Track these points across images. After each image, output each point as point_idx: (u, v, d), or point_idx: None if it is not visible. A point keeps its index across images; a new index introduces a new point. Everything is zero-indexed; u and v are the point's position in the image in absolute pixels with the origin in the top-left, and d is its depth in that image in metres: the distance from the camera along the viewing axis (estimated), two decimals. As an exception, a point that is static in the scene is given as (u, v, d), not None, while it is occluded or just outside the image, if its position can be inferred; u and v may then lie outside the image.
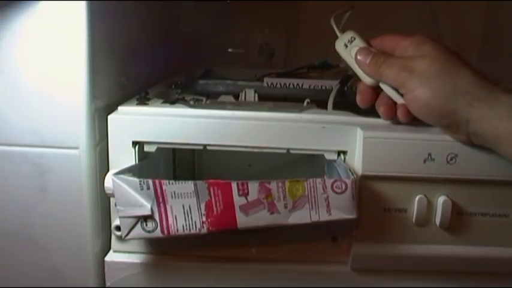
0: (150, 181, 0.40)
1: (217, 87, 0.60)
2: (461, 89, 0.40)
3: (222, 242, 0.46)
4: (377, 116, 0.46)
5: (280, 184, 0.40)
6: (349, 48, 0.47)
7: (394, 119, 0.45)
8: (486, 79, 0.41)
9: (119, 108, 0.46)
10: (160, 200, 0.40)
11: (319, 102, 0.52)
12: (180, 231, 0.40)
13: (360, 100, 0.46)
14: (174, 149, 0.56)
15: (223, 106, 0.48)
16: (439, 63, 0.41)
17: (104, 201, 0.46)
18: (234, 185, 0.40)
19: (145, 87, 0.53)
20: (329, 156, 0.45)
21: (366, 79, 0.46)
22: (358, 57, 0.46)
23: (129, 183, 0.40)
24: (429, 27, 0.83)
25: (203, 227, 0.40)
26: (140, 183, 0.40)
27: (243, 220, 0.40)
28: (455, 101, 0.40)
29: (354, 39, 0.47)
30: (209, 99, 0.53)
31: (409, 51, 0.43)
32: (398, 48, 0.44)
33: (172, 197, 0.40)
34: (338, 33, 0.48)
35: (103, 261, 0.46)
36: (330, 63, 0.70)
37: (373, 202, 0.44)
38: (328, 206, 0.40)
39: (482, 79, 0.40)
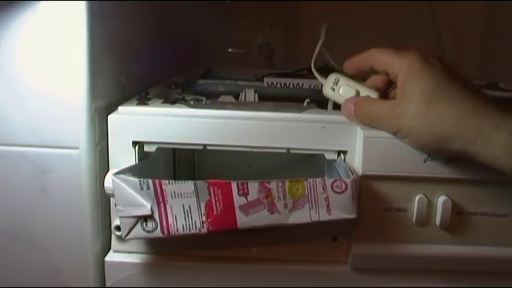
0: (150, 181, 0.40)
1: (217, 87, 0.60)
2: (452, 132, 0.39)
3: (222, 242, 0.46)
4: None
5: (280, 184, 0.40)
6: (336, 90, 0.47)
7: None
8: (474, 105, 0.39)
9: (119, 108, 0.46)
10: (160, 200, 0.40)
11: (319, 102, 0.52)
12: (180, 231, 0.40)
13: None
14: (174, 149, 0.56)
15: (223, 106, 0.48)
16: (424, 107, 0.40)
17: (104, 201, 0.46)
18: (234, 185, 0.40)
19: (145, 87, 0.53)
20: (329, 156, 0.45)
21: None
22: (344, 116, 0.45)
23: (129, 183, 0.40)
24: (429, 27, 0.83)
25: (203, 227, 0.40)
26: (140, 183, 0.40)
27: (243, 220, 0.40)
28: (449, 142, 0.39)
29: (338, 79, 0.47)
30: (209, 99, 0.53)
31: (399, 79, 0.42)
32: (390, 70, 0.43)
33: (172, 196, 0.40)
34: (321, 80, 0.49)
35: (103, 261, 0.46)
36: (330, 66, 0.69)
37: (373, 202, 0.44)
38: (328, 205, 0.40)
39: (469, 113, 0.39)
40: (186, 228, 0.40)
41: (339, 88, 0.47)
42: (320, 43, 0.50)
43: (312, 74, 0.69)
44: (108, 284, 0.47)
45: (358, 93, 0.46)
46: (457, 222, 0.45)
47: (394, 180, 0.44)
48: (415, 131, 0.40)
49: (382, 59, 0.44)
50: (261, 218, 0.40)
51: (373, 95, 0.46)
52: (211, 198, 0.40)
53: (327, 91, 0.48)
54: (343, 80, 0.47)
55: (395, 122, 0.41)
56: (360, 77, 0.47)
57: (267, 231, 0.42)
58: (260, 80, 0.65)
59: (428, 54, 0.42)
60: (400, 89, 0.42)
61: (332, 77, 0.48)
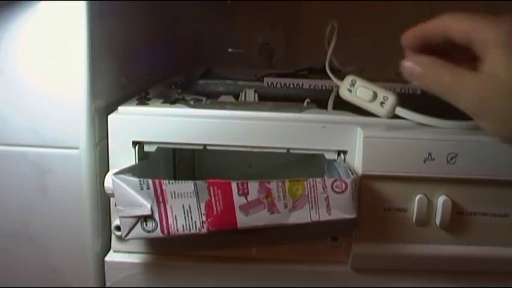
0: (150, 181, 0.40)
1: (217, 87, 0.60)
2: None
3: (222, 242, 0.46)
4: (377, 115, 0.46)
5: (280, 184, 0.40)
6: (353, 92, 0.47)
7: None
8: None
9: (119, 108, 0.46)
10: (160, 199, 0.40)
11: (319, 102, 0.52)
12: (180, 231, 0.40)
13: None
14: (174, 149, 0.56)
15: (223, 106, 0.48)
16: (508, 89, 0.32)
17: (104, 201, 0.46)
18: (234, 185, 0.40)
19: (145, 87, 0.53)
20: (329, 156, 0.45)
21: (382, 114, 0.46)
22: (404, 74, 0.39)
23: (129, 183, 0.40)
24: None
25: (203, 227, 0.40)
26: (140, 183, 0.40)
27: (243, 220, 0.40)
28: None
29: (355, 81, 0.47)
30: (209, 99, 0.53)
31: (491, 50, 0.34)
32: (476, 38, 0.35)
33: (172, 196, 0.40)
34: (337, 82, 0.49)
35: (103, 261, 0.46)
36: (331, 67, 0.69)
37: (373, 202, 0.44)
38: (328, 205, 0.40)
39: None
40: (186, 228, 0.40)
41: (356, 90, 0.47)
42: (332, 45, 0.50)
43: (312, 74, 0.70)
44: (108, 284, 0.47)
45: (375, 94, 0.46)
46: (457, 222, 0.44)
47: (394, 180, 0.44)
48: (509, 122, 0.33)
49: (463, 26, 0.36)
50: (261, 218, 0.40)
51: (391, 97, 0.45)
52: (211, 198, 0.40)
53: (344, 93, 0.48)
54: (360, 82, 0.47)
55: (478, 105, 0.34)
56: (420, 51, 0.40)
57: (267, 231, 0.42)
58: (260, 80, 0.65)
59: None
60: (492, 63, 0.33)
61: (349, 78, 0.47)
